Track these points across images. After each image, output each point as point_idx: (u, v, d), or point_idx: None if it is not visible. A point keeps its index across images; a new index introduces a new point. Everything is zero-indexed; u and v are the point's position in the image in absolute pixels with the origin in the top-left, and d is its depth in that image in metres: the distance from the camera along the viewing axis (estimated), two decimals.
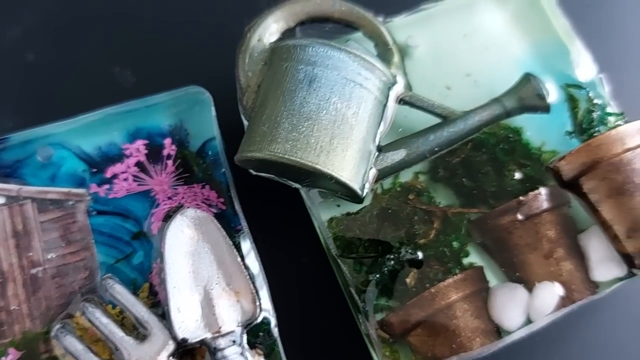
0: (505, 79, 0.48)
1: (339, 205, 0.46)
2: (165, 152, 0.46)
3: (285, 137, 0.42)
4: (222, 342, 0.40)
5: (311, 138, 0.42)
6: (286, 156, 0.41)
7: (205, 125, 0.47)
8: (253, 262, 0.44)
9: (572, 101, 0.48)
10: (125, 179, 0.46)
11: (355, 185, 0.43)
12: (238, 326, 0.41)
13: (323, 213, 0.46)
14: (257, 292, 0.42)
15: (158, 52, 0.53)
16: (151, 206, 0.45)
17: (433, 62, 0.49)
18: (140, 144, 0.46)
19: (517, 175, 0.46)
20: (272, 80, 0.44)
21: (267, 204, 0.48)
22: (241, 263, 0.42)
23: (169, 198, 0.45)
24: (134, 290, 0.43)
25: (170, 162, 0.46)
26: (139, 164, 0.46)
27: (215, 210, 0.45)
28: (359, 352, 0.45)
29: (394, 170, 0.45)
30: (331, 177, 0.42)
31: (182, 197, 0.45)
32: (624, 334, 0.48)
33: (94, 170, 0.46)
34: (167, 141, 0.46)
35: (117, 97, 0.47)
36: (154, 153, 0.46)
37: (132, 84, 0.52)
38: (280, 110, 0.42)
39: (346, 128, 0.43)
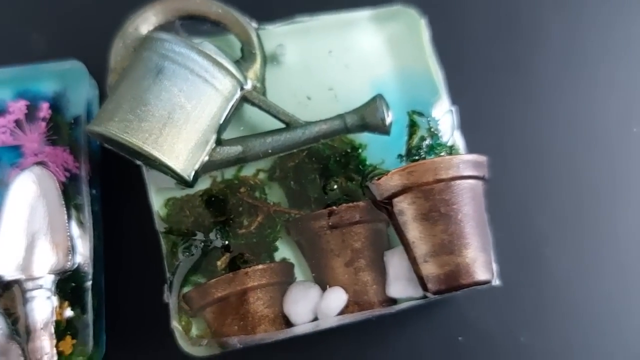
0: (364, 97, 0.52)
1: (183, 189, 0.51)
2: (41, 115, 0.52)
3: (122, 117, 0.47)
4: (30, 285, 0.46)
5: (144, 122, 0.47)
6: (118, 134, 0.47)
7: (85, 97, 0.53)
8: (87, 222, 0.49)
9: (412, 127, 0.51)
10: (4, 132, 0.52)
11: (182, 170, 0.48)
12: (49, 273, 0.47)
13: (165, 193, 0.51)
14: (73, 247, 0.48)
15: (77, 24, 0.59)
16: (19, 157, 0.51)
17: (299, 73, 0.53)
18: (22, 104, 0.52)
19: (335, 187, 0.50)
20: (131, 65, 0.49)
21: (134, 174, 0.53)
22: (66, 221, 0.48)
23: (35, 154, 0.51)
24: None
25: (43, 124, 0.52)
26: (17, 121, 0.52)
27: (68, 173, 0.51)
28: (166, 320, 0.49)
29: (228, 164, 0.50)
30: (156, 159, 0.47)
31: (46, 156, 0.51)
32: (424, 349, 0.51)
33: None
34: (45, 105, 0.52)
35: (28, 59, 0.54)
36: (32, 114, 0.52)
37: (45, 50, 0.58)
38: (126, 93, 0.48)
39: (182, 117, 0.47)
